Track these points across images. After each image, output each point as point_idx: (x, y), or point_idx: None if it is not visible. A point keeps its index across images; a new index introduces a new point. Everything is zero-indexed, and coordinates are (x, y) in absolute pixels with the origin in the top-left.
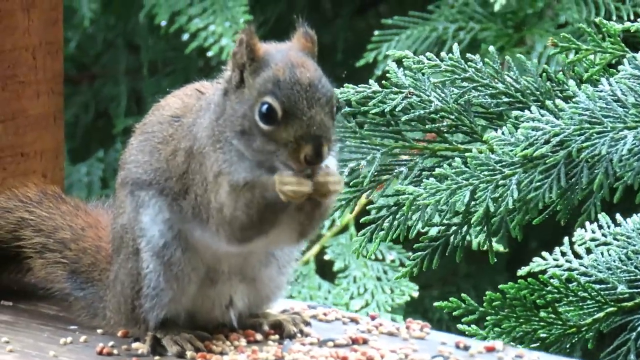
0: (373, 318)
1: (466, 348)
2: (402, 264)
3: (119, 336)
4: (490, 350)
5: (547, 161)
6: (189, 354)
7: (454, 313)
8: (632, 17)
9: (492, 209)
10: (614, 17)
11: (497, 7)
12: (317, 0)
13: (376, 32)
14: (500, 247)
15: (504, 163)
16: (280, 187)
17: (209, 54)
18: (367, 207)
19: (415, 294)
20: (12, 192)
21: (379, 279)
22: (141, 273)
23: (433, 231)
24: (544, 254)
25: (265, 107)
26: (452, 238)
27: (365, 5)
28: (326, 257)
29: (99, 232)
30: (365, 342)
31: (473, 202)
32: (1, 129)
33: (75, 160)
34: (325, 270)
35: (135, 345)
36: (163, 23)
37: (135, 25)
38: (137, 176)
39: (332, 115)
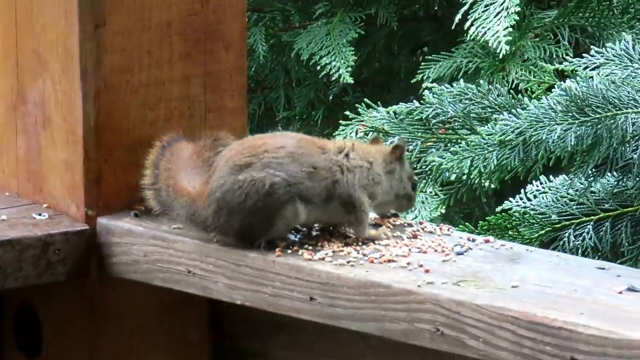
0: (421, 224)
1: (473, 240)
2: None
3: None
4: (487, 241)
5: (512, 143)
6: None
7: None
8: (564, 57)
9: (482, 170)
10: (554, 56)
11: (502, 54)
12: (389, 43)
13: (421, 65)
14: (492, 186)
15: (489, 145)
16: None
17: (332, 79)
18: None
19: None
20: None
21: None
22: None
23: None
24: (511, 198)
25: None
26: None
27: (416, 46)
28: None
29: None
30: (415, 236)
31: (472, 167)
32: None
33: None
34: None
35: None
36: (304, 58)
37: (289, 57)
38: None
39: None
